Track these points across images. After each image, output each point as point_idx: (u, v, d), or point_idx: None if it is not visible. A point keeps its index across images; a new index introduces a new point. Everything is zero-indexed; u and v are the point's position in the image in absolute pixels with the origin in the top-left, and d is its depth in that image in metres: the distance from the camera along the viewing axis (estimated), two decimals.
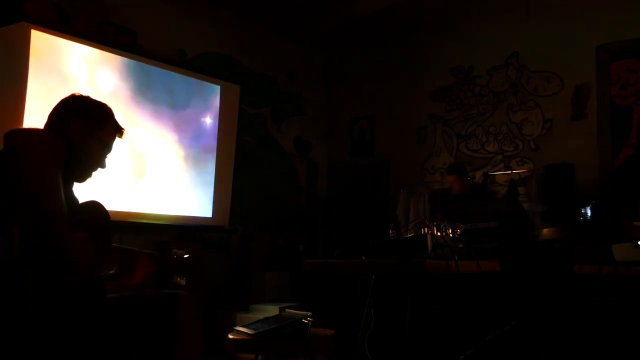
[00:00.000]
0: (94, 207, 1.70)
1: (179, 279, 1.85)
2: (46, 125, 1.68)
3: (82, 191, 1.77)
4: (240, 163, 5.10)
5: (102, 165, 1.74)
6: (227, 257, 5.31)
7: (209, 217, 4.71)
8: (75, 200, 1.67)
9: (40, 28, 3.62)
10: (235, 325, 2.83)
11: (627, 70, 4.97)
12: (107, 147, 1.74)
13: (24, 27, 3.53)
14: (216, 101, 4.82)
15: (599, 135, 5.02)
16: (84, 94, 1.77)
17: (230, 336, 2.57)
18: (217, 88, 4.84)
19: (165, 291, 1.65)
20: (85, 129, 1.66)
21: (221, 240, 5.25)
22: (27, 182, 1.38)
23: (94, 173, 1.73)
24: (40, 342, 1.39)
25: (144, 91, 4.23)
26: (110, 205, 3.46)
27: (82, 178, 1.71)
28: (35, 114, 3.46)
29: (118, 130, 1.77)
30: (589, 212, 4.22)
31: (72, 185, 1.69)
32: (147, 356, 1.54)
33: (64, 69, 3.74)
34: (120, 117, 1.82)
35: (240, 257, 5.44)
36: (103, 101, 1.78)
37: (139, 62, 4.24)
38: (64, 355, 1.43)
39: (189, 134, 4.58)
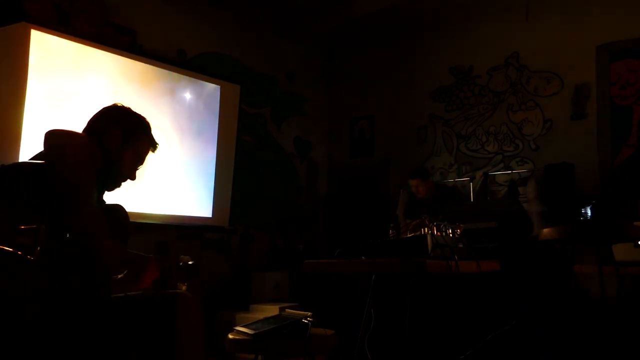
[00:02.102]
0: (118, 211, 1.71)
1: (180, 284, 1.87)
2: (85, 130, 1.68)
3: None
4: (240, 163, 5.10)
5: (132, 177, 1.74)
6: (227, 257, 5.31)
7: (209, 217, 4.71)
8: (103, 205, 1.69)
9: (40, 28, 3.62)
10: (235, 325, 2.82)
11: (627, 70, 4.97)
12: (140, 160, 1.74)
13: (24, 27, 3.53)
14: (216, 101, 4.82)
15: (599, 135, 5.02)
16: (125, 105, 1.78)
17: (230, 336, 2.57)
18: (217, 88, 4.84)
19: (166, 291, 1.64)
20: (123, 139, 1.67)
21: (221, 240, 5.25)
22: (71, 188, 1.39)
23: (123, 184, 1.74)
24: (42, 341, 1.39)
25: (143, 91, 4.23)
26: None
27: (112, 187, 1.71)
28: (35, 114, 3.46)
29: (153, 145, 1.78)
30: (589, 212, 4.22)
31: (103, 193, 1.70)
32: (148, 356, 1.54)
33: (64, 69, 3.74)
34: None
35: (240, 257, 5.44)
36: (138, 112, 1.78)
37: (139, 62, 4.24)
38: (65, 355, 1.43)
39: (189, 134, 4.58)
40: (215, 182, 4.75)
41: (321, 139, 6.67)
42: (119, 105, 1.75)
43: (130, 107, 1.77)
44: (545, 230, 2.55)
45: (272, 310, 4.05)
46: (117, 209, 1.72)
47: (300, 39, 6.31)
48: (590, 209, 4.29)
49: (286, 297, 5.03)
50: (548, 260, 3.97)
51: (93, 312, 1.50)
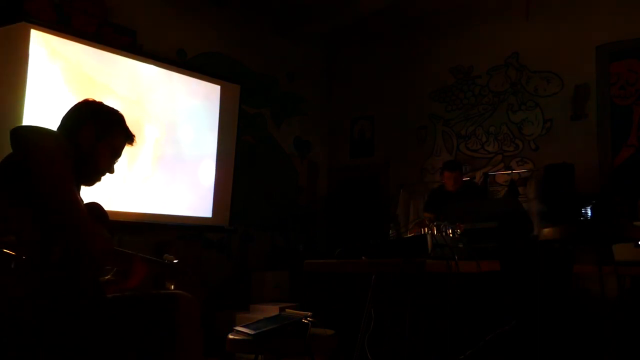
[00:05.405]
0: (97, 208, 1.71)
1: (168, 284, 1.88)
2: (58, 128, 1.69)
3: (84, 190, 1.77)
4: (240, 163, 5.10)
5: (111, 171, 1.75)
6: (227, 257, 5.31)
7: (209, 217, 4.71)
8: (81, 202, 1.68)
9: (40, 28, 3.62)
10: (235, 325, 2.82)
11: (627, 70, 4.97)
12: (116, 153, 1.75)
13: (24, 27, 3.54)
14: (216, 101, 4.82)
15: (599, 135, 5.02)
16: (97, 99, 1.77)
17: (230, 336, 2.57)
18: (217, 88, 4.84)
19: (165, 291, 1.65)
20: (96, 133, 1.67)
21: (221, 240, 5.25)
22: (49, 189, 1.38)
23: (102, 178, 1.74)
24: (41, 341, 1.39)
25: (143, 91, 4.23)
26: (110, 205, 3.47)
27: (90, 182, 1.71)
28: (35, 114, 3.46)
29: (128, 137, 1.77)
30: (589, 212, 4.22)
31: (80, 188, 1.69)
32: (147, 356, 1.54)
33: (63, 68, 3.74)
34: None
35: (240, 257, 5.44)
36: (112, 105, 1.78)
37: (139, 62, 4.24)
38: (64, 355, 1.43)
39: (189, 134, 4.58)
40: (215, 182, 4.75)
41: (321, 139, 6.67)
42: (90, 100, 1.74)
43: (102, 101, 1.76)
44: (545, 230, 2.55)
45: (272, 310, 4.05)
46: (96, 206, 1.72)
47: (300, 39, 6.31)
48: (590, 209, 4.29)
49: (286, 297, 5.03)
50: (547, 260, 3.97)
51: (90, 311, 1.50)
